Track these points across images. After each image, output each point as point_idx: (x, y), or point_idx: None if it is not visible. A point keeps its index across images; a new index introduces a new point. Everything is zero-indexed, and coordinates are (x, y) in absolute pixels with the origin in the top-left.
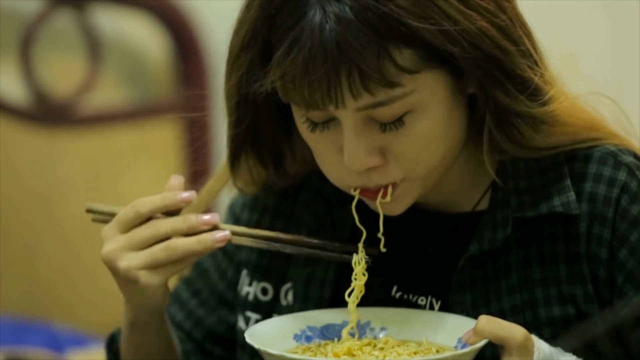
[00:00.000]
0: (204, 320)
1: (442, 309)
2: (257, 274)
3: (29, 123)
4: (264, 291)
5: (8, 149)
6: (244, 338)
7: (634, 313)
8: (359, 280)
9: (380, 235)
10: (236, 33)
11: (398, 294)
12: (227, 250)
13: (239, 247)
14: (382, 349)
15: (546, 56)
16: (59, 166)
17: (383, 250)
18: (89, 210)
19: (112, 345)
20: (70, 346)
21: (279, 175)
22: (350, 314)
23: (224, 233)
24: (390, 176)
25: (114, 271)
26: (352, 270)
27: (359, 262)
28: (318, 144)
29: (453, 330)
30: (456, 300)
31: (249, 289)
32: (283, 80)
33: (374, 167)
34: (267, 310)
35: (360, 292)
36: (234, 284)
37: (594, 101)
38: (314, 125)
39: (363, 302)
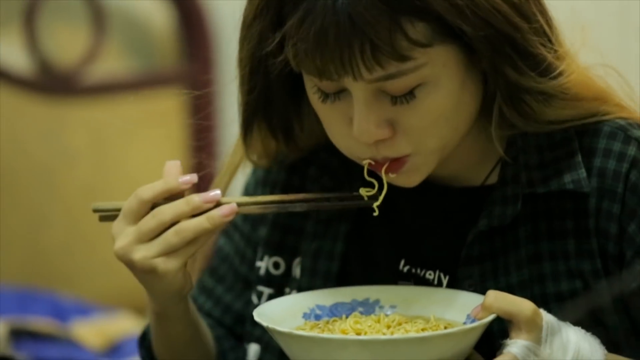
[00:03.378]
0: (232, 306)
1: (450, 283)
2: (269, 249)
3: (32, 93)
4: (276, 265)
5: (12, 119)
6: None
7: None
8: None
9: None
10: (250, 0)
11: (406, 268)
12: (245, 232)
13: (256, 228)
14: (389, 326)
15: (560, 30)
16: (63, 136)
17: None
18: (95, 210)
19: (144, 341)
20: (75, 315)
21: (288, 146)
22: None
23: (230, 205)
24: (399, 149)
25: (130, 265)
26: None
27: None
28: (329, 114)
29: (462, 306)
30: (464, 274)
31: (261, 263)
32: (295, 51)
33: (382, 139)
34: (280, 284)
35: None
36: (254, 264)
37: (602, 72)
38: (325, 96)
39: (371, 277)
